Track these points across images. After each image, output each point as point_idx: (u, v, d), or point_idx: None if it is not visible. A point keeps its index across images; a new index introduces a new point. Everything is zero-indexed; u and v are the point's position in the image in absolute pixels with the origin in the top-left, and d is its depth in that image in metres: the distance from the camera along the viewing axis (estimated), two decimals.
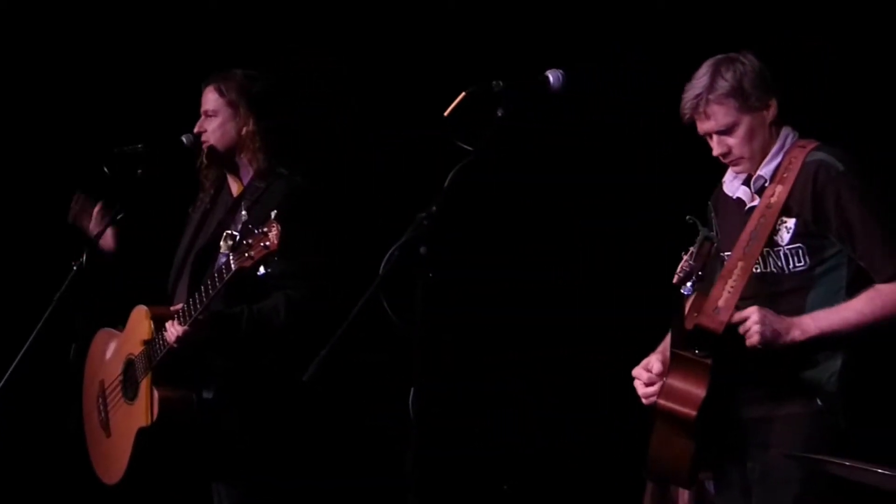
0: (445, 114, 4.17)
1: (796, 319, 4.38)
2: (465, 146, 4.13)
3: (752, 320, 4.35)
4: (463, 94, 4.19)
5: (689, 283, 4.42)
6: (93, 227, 5.61)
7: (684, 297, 4.40)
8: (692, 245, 4.48)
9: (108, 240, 5.62)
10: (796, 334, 4.36)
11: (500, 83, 4.23)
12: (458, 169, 4.12)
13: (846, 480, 4.10)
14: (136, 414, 5.33)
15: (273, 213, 4.84)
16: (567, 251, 6.47)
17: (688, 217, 4.45)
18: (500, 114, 4.22)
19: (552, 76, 4.32)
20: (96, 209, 5.63)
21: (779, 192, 4.46)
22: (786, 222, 4.46)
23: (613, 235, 6.31)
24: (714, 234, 4.48)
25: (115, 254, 5.62)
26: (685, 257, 4.45)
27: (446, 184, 4.11)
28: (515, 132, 4.27)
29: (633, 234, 6.16)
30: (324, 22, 6.69)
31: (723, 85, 4.46)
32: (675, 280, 4.45)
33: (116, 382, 5.49)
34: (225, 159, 5.41)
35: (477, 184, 4.22)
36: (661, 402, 4.33)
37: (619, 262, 6.21)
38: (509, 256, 6.53)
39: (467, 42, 6.47)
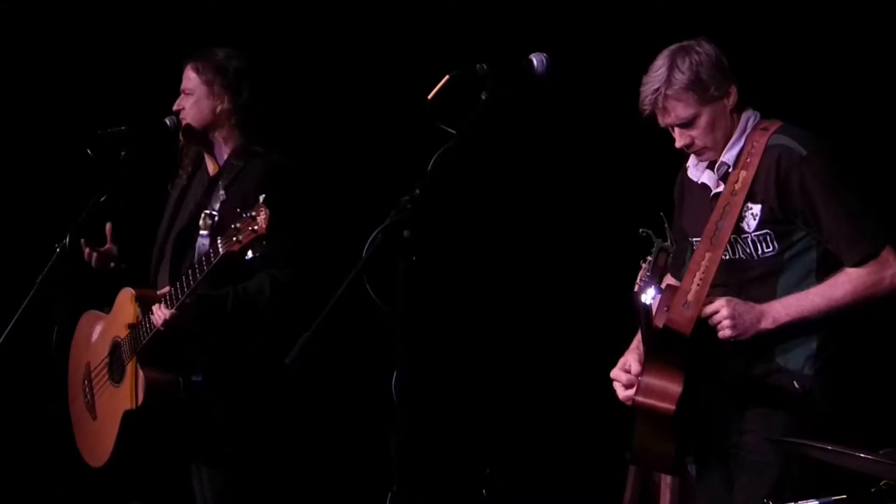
0: (429, 97, 4.16)
1: (766, 307, 4.39)
2: (449, 129, 4.13)
3: (722, 314, 4.36)
4: (447, 77, 4.19)
5: (650, 292, 4.41)
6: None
7: (649, 306, 4.40)
8: (650, 255, 4.46)
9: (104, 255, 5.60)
10: (767, 322, 4.38)
11: (484, 66, 4.23)
12: (441, 152, 4.11)
13: (826, 464, 4.12)
14: (122, 396, 5.33)
15: (262, 197, 4.85)
16: (551, 235, 6.48)
17: (641, 230, 4.43)
18: (483, 97, 4.22)
19: (536, 60, 4.32)
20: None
21: (743, 178, 4.45)
22: (751, 209, 4.46)
23: (598, 220, 6.32)
24: (669, 244, 4.46)
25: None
26: (644, 267, 4.44)
27: (429, 167, 4.11)
28: (499, 115, 4.28)
29: (615, 221, 6.17)
30: (307, 3, 6.69)
31: (680, 78, 4.43)
32: (635, 289, 4.45)
33: (102, 365, 5.49)
34: (200, 137, 5.42)
35: (461, 167, 4.22)
36: (640, 399, 4.36)
37: (604, 246, 6.21)
38: (493, 240, 6.53)
39: (451, 24, 6.47)
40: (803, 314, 4.37)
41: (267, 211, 4.82)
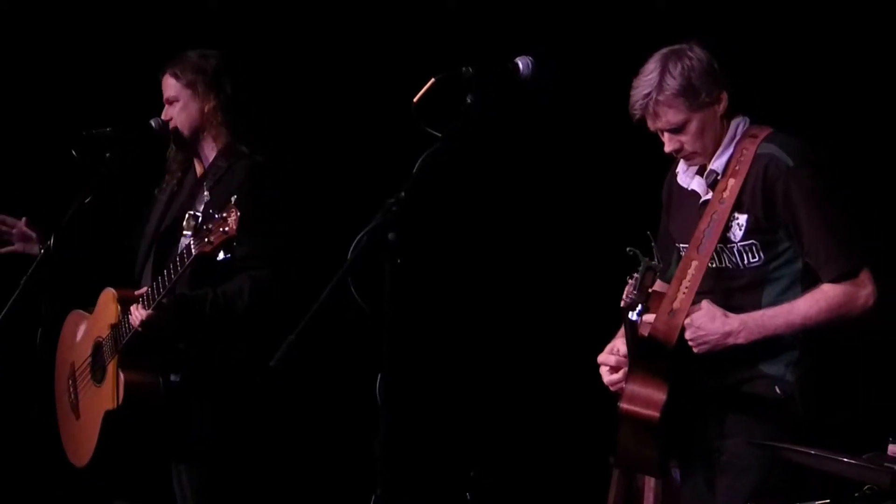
0: (415, 100, 4.17)
1: (741, 321, 4.38)
2: (434, 132, 4.13)
3: (686, 335, 4.37)
4: (432, 80, 4.19)
5: (636, 310, 4.42)
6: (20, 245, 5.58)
7: (635, 321, 4.41)
8: (637, 271, 4.45)
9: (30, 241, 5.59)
10: (739, 339, 4.38)
11: (470, 69, 4.23)
12: (427, 155, 4.12)
13: (804, 469, 4.13)
14: (104, 397, 5.33)
15: (233, 199, 4.86)
16: (537, 238, 6.48)
17: (628, 249, 4.43)
18: (469, 100, 4.22)
19: (522, 63, 4.32)
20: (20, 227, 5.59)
21: (731, 187, 4.45)
22: (738, 219, 4.46)
23: (584, 222, 6.33)
24: (656, 263, 4.47)
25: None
26: (630, 283, 4.44)
27: (415, 170, 4.11)
28: (485, 118, 4.28)
29: (602, 223, 6.18)
30: (293, 5, 6.68)
31: (671, 84, 4.42)
32: (622, 304, 4.45)
33: (85, 365, 5.49)
34: (191, 141, 5.42)
35: (446, 169, 4.22)
36: (624, 406, 4.37)
37: (590, 247, 6.22)
38: (478, 243, 6.54)
39: (440, 26, 6.47)
40: (778, 331, 4.39)
41: (237, 212, 4.82)
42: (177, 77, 5.38)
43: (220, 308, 5.17)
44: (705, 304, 4.40)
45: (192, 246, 4.94)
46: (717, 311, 4.39)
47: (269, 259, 5.20)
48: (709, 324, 4.39)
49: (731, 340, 4.38)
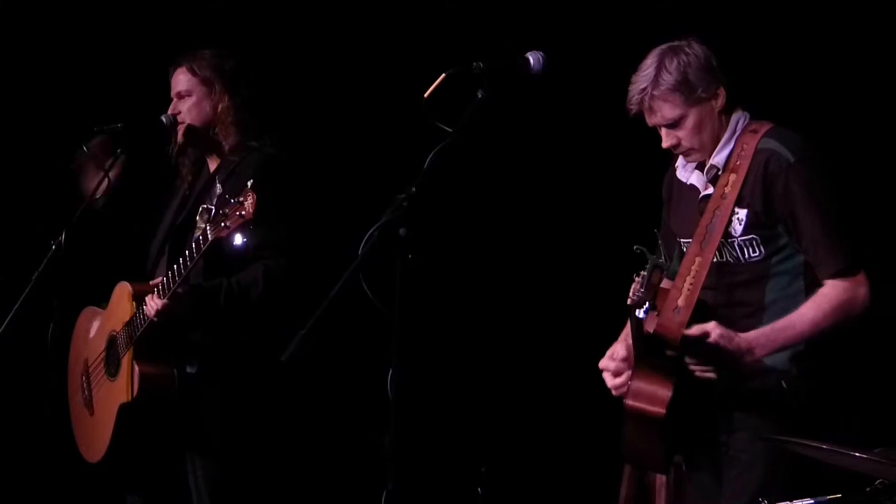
0: (425, 95, 4.17)
1: (750, 340, 4.34)
2: (445, 127, 4.14)
3: (704, 369, 4.35)
4: (443, 75, 4.19)
5: (643, 308, 4.41)
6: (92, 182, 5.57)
7: (641, 319, 4.40)
8: (644, 269, 4.44)
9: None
10: (749, 359, 4.35)
11: (481, 65, 4.23)
12: (437, 150, 4.12)
13: (812, 463, 4.12)
14: (118, 390, 5.34)
15: (249, 183, 4.87)
16: (547, 232, 6.48)
17: (636, 247, 4.42)
18: (479, 95, 4.22)
19: (532, 58, 4.32)
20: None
21: (732, 182, 4.44)
22: (737, 213, 4.44)
23: (593, 217, 6.33)
24: (663, 261, 4.45)
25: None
26: (637, 280, 4.43)
27: (425, 165, 4.11)
28: (495, 114, 4.28)
29: (611, 216, 6.18)
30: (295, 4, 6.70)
31: (667, 79, 4.42)
32: (629, 302, 4.44)
33: (99, 360, 5.50)
34: (202, 137, 5.43)
35: (457, 165, 4.22)
36: (630, 402, 4.37)
37: (599, 241, 6.22)
38: (489, 238, 6.54)
39: (448, 22, 6.47)
40: (788, 342, 4.37)
41: (254, 196, 4.84)
42: (193, 72, 5.39)
43: (235, 297, 5.19)
44: (714, 325, 4.37)
45: (209, 231, 4.95)
46: (729, 333, 4.37)
47: (283, 248, 5.22)
48: (723, 346, 4.35)
49: (742, 360, 4.35)
